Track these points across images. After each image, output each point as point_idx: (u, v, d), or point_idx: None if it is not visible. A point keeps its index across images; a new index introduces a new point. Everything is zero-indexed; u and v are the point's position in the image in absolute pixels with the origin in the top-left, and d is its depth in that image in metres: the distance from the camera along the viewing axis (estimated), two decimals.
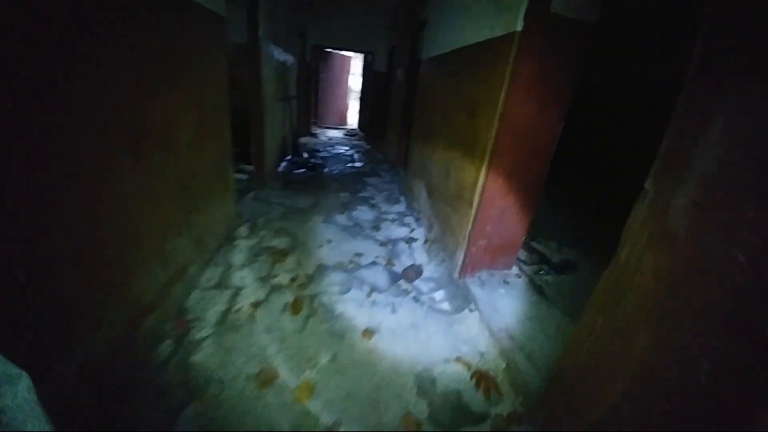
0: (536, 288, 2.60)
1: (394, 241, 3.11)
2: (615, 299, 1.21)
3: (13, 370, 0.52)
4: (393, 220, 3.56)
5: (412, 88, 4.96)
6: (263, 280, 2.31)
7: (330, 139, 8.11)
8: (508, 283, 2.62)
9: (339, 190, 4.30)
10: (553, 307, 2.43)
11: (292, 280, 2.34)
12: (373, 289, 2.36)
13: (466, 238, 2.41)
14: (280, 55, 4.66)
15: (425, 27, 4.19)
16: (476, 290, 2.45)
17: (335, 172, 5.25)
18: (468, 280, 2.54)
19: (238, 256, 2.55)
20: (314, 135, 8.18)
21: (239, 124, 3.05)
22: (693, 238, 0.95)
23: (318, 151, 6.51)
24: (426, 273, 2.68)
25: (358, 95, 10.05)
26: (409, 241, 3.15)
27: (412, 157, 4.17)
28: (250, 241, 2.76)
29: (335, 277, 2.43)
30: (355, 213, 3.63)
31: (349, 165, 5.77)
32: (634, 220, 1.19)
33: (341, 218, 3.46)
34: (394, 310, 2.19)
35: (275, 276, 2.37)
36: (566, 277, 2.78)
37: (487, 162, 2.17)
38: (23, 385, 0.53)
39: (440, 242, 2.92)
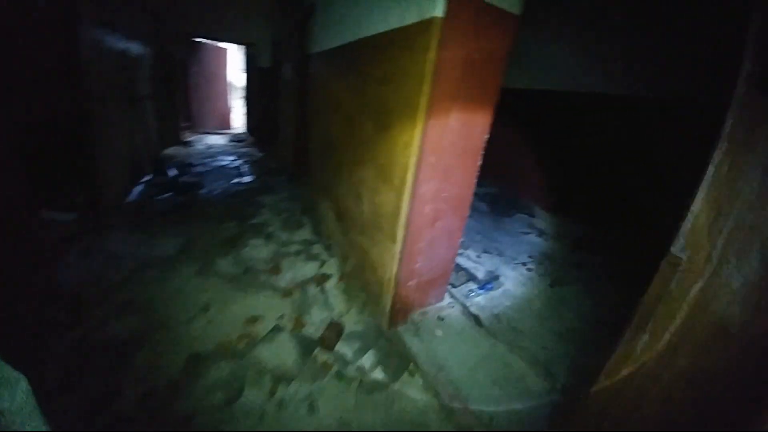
0: (472, 318, 2.27)
1: (302, 286, 2.42)
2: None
3: (12, 373, 0.52)
4: (297, 253, 2.84)
5: (304, 88, 4.23)
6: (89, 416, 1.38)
7: (210, 147, 6.73)
8: (443, 319, 2.22)
9: (222, 219, 3.33)
10: (493, 338, 2.11)
11: (141, 399, 1.47)
12: (279, 378, 1.65)
13: (393, 280, 1.90)
14: (119, 42, 3.40)
15: (313, 15, 3.50)
16: (412, 342, 1.97)
17: (216, 192, 4.18)
18: (400, 329, 2.05)
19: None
20: (187, 144, 6.68)
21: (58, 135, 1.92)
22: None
23: (192, 165, 5.22)
24: (348, 326, 2.09)
25: (243, 94, 8.72)
26: (321, 280, 2.50)
27: (314, 168, 3.49)
28: (61, 342, 1.72)
29: (216, 374, 1.63)
30: (245, 251, 2.78)
31: (236, 181, 4.72)
32: (655, 298, 0.81)
33: (225, 263, 2.57)
34: (312, 409, 1.54)
35: (110, 401, 1.45)
36: (494, 293, 2.53)
37: (411, 186, 1.68)
38: (21, 388, 0.53)
39: (359, 278, 2.37)
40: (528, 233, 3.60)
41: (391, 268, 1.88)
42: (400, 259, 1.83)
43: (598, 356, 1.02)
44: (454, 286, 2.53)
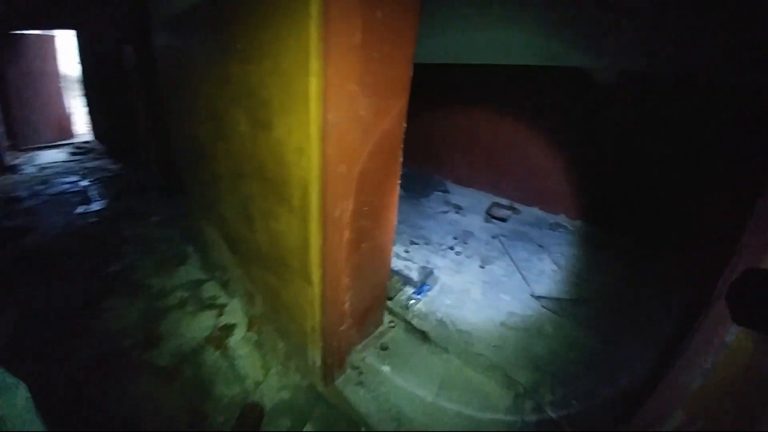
0: (418, 333, 1.95)
1: (195, 355, 1.74)
2: None
3: (11, 380, 0.52)
4: (182, 304, 2.09)
5: (155, 73, 3.19)
6: None
7: (44, 168, 4.96)
8: (386, 348, 1.84)
9: (63, 277, 2.31)
10: (444, 352, 1.83)
11: None
12: None
13: (318, 331, 1.41)
14: None
15: None
16: (358, 396, 1.53)
17: (52, 234, 2.96)
18: (339, 381, 1.60)
19: None
20: (12, 169, 4.80)
21: None
22: None
23: (18, 199, 3.70)
24: (270, 397, 1.54)
25: (82, 91, 6.67)
26: (222, 338, 1.86)
27: (188, 181, 2.64)
28: None
29: None
30: (102, 323, 1.92)
31: (82, 211, 3.47)
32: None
33: (74, 353, 1.69)
34: None
35: None
36: (432, 293, 2.26)
37: (318, 209, 1.17)
38: (21, 394, 0.53)
39: (274, 322, 1.81)
40: (446, 212, 3.43)
41: (313, 317, 1.38)
42: (323, 304, 1.34)
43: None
44: (390, 299, 2.16)
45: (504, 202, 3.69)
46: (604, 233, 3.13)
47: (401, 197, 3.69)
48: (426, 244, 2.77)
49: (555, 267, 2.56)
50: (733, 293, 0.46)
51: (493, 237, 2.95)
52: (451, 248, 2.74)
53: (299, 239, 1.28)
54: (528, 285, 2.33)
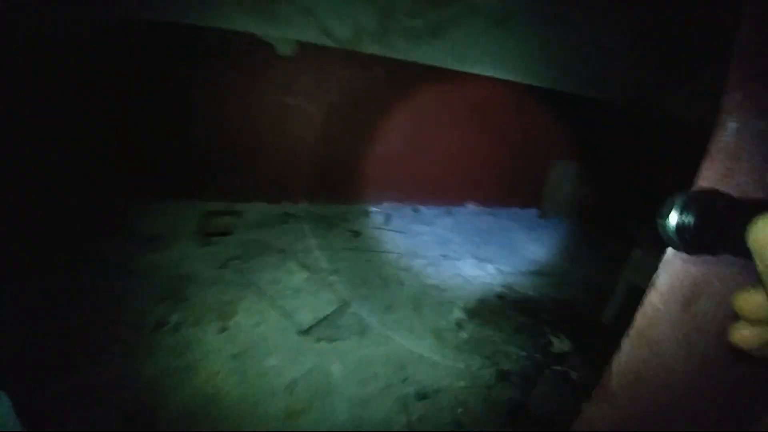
0: None
1: None
2: None
3: None
4: None
5: None
6: None
7: None
8: None
9: None
10: None
11: None
12: None
13: None
14: None
15: None
16: None
17: None
18: None
19: None
20: None
21: None
22: None
23: None
24: None
25: None
26: None
27: None
28: None
29: None
30: None
31: None
32: None
33: None
34: None
35: None
36: None
37: None
38: (2, 403, 0.53)
39: None
40: (139, 254, 2.15)
41: None
42: None
43: None
44: None
45: (220, 206, 2.79)
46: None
47: None
48: (113, 341, 1.51)
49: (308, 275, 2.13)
50: None
51: (221, 267, 2.09)
52: (159, 325, 1.65)
53: None
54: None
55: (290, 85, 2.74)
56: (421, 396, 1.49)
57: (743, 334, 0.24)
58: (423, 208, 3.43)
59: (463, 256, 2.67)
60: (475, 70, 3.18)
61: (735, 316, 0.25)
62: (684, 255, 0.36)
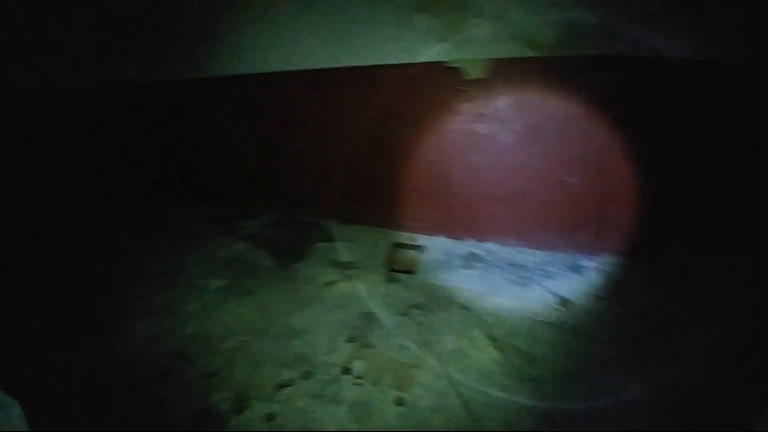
0: None
1: None
2: None
3: (6, 398, 0.55)
4: None
5: None
6: None
7: None
8: None
9: None
10: None
11: None
12: None
13: None
14: None
15: None
16: None
17: None
18: None
19: None
20: None
21: None
22: None
23: None
24: None
25: None
26: None
27: None
28: None
29: None
30: None
31: None
32: None
33: None
34: None
35: None
36: None
37: None
38: (15, 412, 0.55)
39: None
40: (333, 281, 2.31)
41: None
42: None
43: None
44: None
45: (405, 237, 2.76)
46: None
47: (263, 269, 2.42)
48: (305, 377, 1.57)
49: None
50: None
51: (403, 314, 1.95)
52: (346, 370, 1.61)
53: None
54: None
55: (480, 111, 2.40)
56: None
57: None
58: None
59: None
60: None
61: None
62: None
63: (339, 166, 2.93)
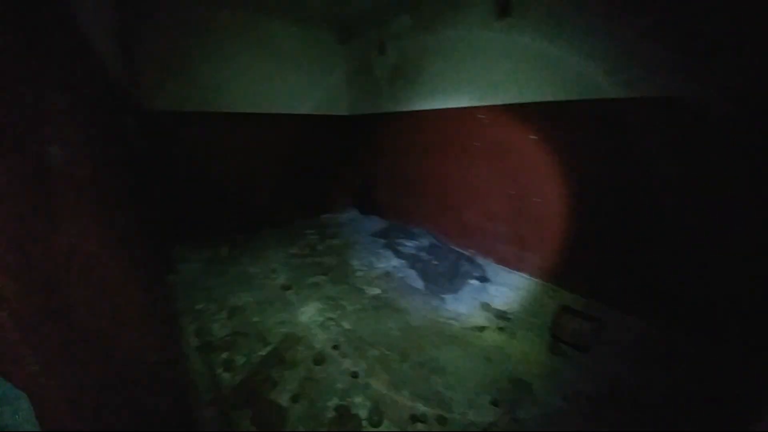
0: None
1: None
2: None
3: (13, 391, 0.54)
4: None
5: None
6: None
7: None
8: None
9: None
10: None
11: None
12: None
13: None
14: None
15: None
16: None
17: None
18: None
19: None
20: None
21: None
22: None
23: None
24: None
25: None
26: None
27: None
28: None
29: None
30: None
31: None
32: None
33: None
34: None
35: None
36: None
37: None
38: (22, 405, 0.55)
39: None
40: (482, 327, 2.10)
41: None
42: None
43: None
44: None
45: (575, 301, 2.27)
46: None
47: (415, 292, 2.45)
48: (440, 421, 1.45)
49: None
50: None
51: (564, 400, 1.56)
52: None
53: None
54: None
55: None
56: None
57: None
58: None
59: None
60: None
61: None
62: None
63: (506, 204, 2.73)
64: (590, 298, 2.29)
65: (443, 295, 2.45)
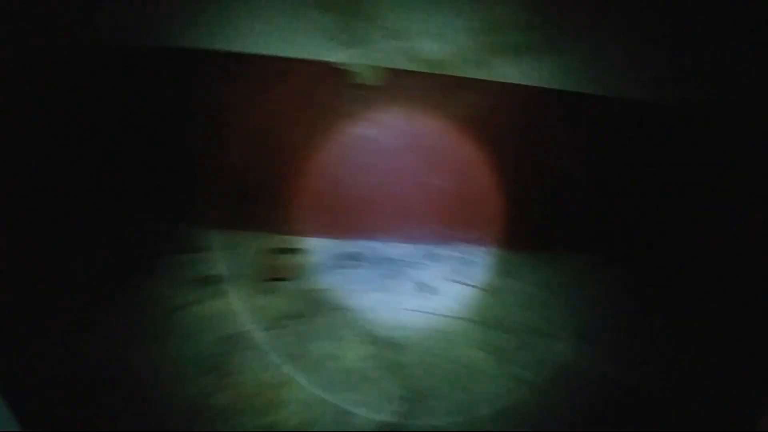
0: None
1: None
2: None
3: None
4: None
5: None
6: None
7: None
8: None
9: None
10: None
11: None
12: None
13: None
14: None
15: None
16: None
17: None
18: None
19: None
20: None
21: None
22: None
23: None
24: None
25: None
26: None
27: None
28: None
29: None
30: None
31: None
32: None
33: None
34: None
35: None
36: None
37: None
38: (2, 411, 0.55)
39: None
40: None
41: None
42: None
43: None
44: None
45: (286, 241, 2.56)
46: None
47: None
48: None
49: None
50: None
51: (273, 328, 1.80)
52: (207, 407, 1.41)
53: None
54: None
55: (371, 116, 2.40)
56: None
57: None
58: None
59: None
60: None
61: None
62: None
63: (218, 164, 2.50)
64: (296, 234, 2.64)
65: (140, 284, 2.04)
